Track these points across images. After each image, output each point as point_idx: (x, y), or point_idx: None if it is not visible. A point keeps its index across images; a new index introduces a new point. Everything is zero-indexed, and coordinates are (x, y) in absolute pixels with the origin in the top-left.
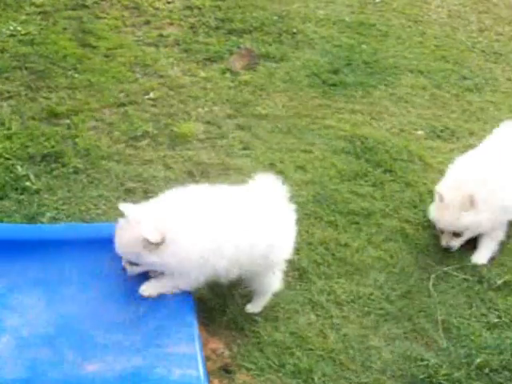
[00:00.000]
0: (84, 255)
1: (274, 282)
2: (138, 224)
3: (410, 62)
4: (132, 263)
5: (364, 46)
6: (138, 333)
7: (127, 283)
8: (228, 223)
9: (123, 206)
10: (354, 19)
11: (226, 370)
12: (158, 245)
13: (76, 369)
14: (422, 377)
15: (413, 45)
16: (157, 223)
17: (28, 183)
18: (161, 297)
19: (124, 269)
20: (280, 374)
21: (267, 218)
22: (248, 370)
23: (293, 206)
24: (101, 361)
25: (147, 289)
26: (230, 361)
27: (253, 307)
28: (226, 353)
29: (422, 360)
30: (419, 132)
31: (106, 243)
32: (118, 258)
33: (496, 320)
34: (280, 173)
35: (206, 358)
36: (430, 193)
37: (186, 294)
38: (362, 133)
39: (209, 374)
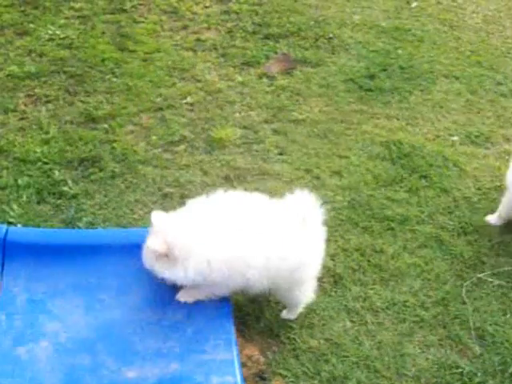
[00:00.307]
0: (122, 260)
1: (304, 296)
2: (152, 236)
3: (445, 67)
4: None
5: (400, 51)
6: (175, 339)
7: (165, 289)
8: (258, 233)
9: (154, 215)
10: (389, 24)
11: (262, 377)
12: (170, 258)
13: (115, 375)
14: None
15: (448, 50)
16: (169, 234)
17: (65, 188)
18: (198, 303)
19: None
20: (315, 382)
21: (299, 234)
22: (283, 376)
23: (324, 228)
24: (139, 367)
25: (183, 295)
26: (265, 367)
27: (288, 314)
28: (262, 359)
29: (456, 367)
30: (454, 138)
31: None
32: None
33: None
34: (316, 178)
35: (242, 365)
36: (466, 199)
37: (223, 300)
38: (398, 138)
39: (244, 380)
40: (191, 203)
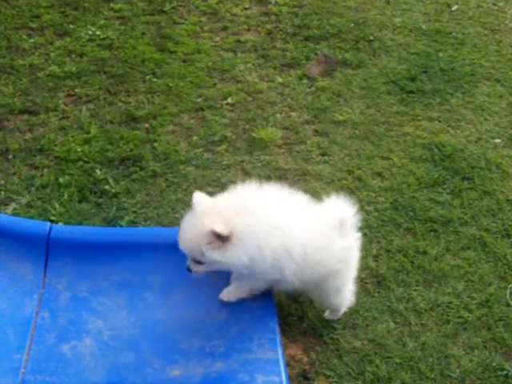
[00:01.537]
0: (165, 259)
1: (341, 300)
2: (204, 217)
3: (487, 70)
4: (196, 261)
5: (441, 54)
6: (220, 338)
7: (209, 288)
8: (300, 230)
9: (197, 195)
10: (430, 27)
11: (305, 377)
12: (224, 240)
13: (159, 373)
14: None
15: (489, 53)
16: (224, 217)
17: (107, 187)
18: (243, 302)
19: (188, 269)
20: (359, 382)
21: (333, 239)
22: (327, 377)
23: (358, 234)
24: (183, 366)
25: (226, 295)
26: (308, 367)
27: (330, 315)
28: (305, 359)
29: (501, 370)
30: (497, 140)
31: None
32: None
33: None
34: (358, 179)
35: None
36: (509, 201)
37: (268, 299)
38: (440, 140)
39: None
40: (233, 190)
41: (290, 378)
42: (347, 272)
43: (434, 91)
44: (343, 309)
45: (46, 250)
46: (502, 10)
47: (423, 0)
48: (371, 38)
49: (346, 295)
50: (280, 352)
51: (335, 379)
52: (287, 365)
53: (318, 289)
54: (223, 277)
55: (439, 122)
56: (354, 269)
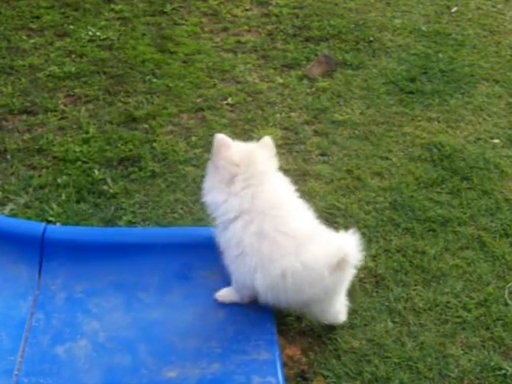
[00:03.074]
0: (162, 259)
1: (333, 316)
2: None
3: (486, 71)
4: None
5: (440, 55)
6: (216, 339)
7: (206, 289)
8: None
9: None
10: (430, 28)
11: (303, 377)
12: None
13: (155, 375)
14: None
15: (488, 54)
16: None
17: (105, 187)
18: (240, 303)
19: None
20: (357, 382)
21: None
22: (325, 377)
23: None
24: (179, 367)
25: (221, 294)
26: (306, 368)
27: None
28: (303, 359)
29: (499, 369)
30: (495, 140)
31: (184, 248)
32: (196, 263)
33: None
34: (357, 179)
35: (283, 365)
36: (507, 201)
37: None
38: (439, 140)
39: (286, 380)
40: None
41: (288, 378)
42: (337, 296)
43: (433, 92)
44: (340, 319)
45: (41, 251)
46: (501, 11)
47: (423, 2)
48: (371, 39)
49: (338, 310)
50: (277, 353)
51: (333, 379)
52: (285, 365)
53: (306, 308)
54: (221, 277)
55: (438, 122)
56: (345, 287)
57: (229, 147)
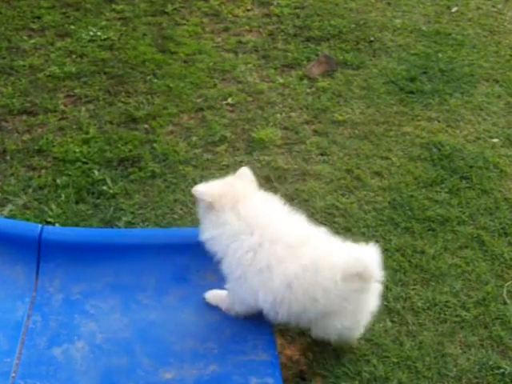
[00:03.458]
0: (160, 260)
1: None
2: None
3: (486, 70)
4: None
5: (440, 55)
6: (214, 340)
7: (203, 290)
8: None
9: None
10: (430, 28)
11: (302, 378)
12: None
13: (151, 376)
14: None
15: (488, 54)
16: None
17: (105, 187)
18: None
19: None
20: (356, 382)
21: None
22: (324, 377)
23: (377, 287)
24: (177, 368)
25: (209, 295)
26: (305, 368)
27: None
28: (302, 360)
29: (498, 368)
30: (495, 140)
31: (181, 248)
32: (193, 264)
33: None
34: (356, 179)
35: (282, 365)
36: (506, 200)
37: None
38: (439, 140)
39: (284, 381)
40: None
41: (287, 378)
42: (353, 315)
43: (433, 91)
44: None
45: (38, 252)
46: (501, 11)
47: (423, 2)
48: (372, 38)
49: (351, 336)
50: (274, 353)
51: (332, 379)
52: (284, 366)
53: (321, 327)
54: (218, 278)
55: (438, 121)
56: (365, 314)
57: (207, 191)
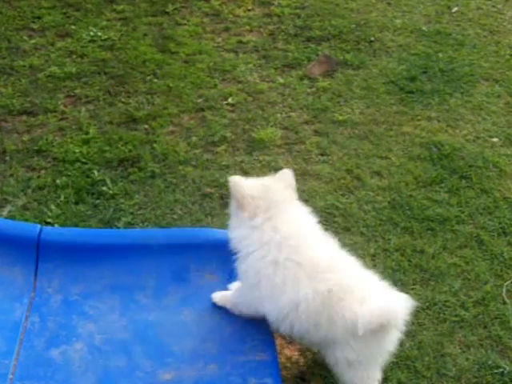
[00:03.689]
0: (159, 261)
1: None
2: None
3: (486, 70)
4: None
5: (440, 55)
6: (212, 340)
7: (202, 290)
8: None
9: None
10: (430, 28)
11: (302, 378)
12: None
13: (149, 377)
14: None
15: (488, 54)
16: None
17: (104, 188)
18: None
19: None
20: None
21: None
22: (323, 377)
23: (397, 334)
24: (175, 369)
25: (216, 297)
26: (305, 369)
27: None
28: (301, 360)
29: (497, 367)
30: (494, 139)
31: (181, 249)
32: (193, 264)
33: None
34: (356, 178)
35: (282, 366)
36: (505, 199)
37: None
38: (438, 139)
39: (284, 381)
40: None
41: (286, 379)
42: (361, 352)
43: (433, 91)
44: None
45: (37, 253)
46: (501, 11)
47: (424, 2)
48: (372, 38)
49: (362, 378)
50: (273, 354)
51: (331, 380)
52: (284, 366)
53: (327, 355)
54: (218, 279)
55: (438, 121)
56: (381, 354)
57: (244, 185)
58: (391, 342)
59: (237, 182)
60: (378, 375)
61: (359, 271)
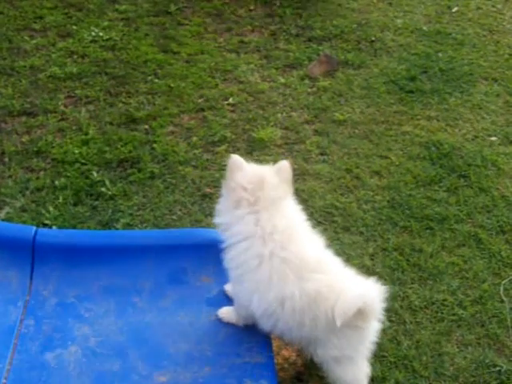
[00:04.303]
0: (155, 262)
1: (344, 378)
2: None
3: (485, 69)
4: None
5: (440, 54)
6: (208, 342)
7: (198, 291)
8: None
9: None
10: (430, 28)
11: (299, 379)
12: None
13: (146, 380)
14: (494, 383)
15: (487, 53)
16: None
17: (103, 189)
18: (232, 305)
19: None
20: None
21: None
22: (321, 378)
23: (376, 325)
24: (171, 371)
25: (223, 312)
26: (302, 369)
27: None
28: (299, 361)
29: (494, 366)
30: (493, 138)
31: (177, 250)
32: (189, 266)
33: None
34: (356, 178)
35: (279, 367)
36: (504, 198)
37: None
38: (438, 139)
39: (281, 382)
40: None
41: (284, 380)
42: (354, 352)
43: (432, 91)
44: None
45: (32, 255)
46: (501, 11)
47: (424, 2)
48: (373, 38)
49: (352, 372)
50: (269, 356)
51: (329, 381)
52: (281, 367)
53: (316, 353)
54: (215, 281)
55: (437, 120)
56: (364, 347)
57: (241, 170)
58: (372, 333)
59: (235, 164)
60: (365, 368)
61: (344, 271)
